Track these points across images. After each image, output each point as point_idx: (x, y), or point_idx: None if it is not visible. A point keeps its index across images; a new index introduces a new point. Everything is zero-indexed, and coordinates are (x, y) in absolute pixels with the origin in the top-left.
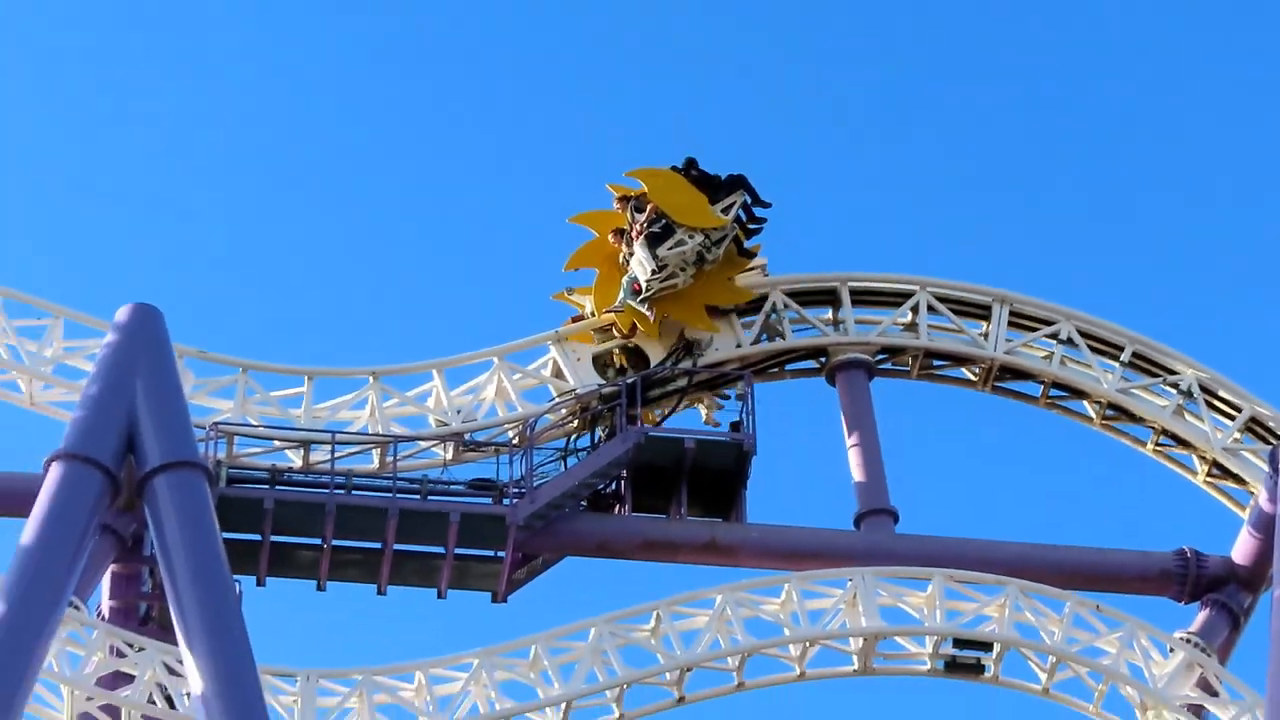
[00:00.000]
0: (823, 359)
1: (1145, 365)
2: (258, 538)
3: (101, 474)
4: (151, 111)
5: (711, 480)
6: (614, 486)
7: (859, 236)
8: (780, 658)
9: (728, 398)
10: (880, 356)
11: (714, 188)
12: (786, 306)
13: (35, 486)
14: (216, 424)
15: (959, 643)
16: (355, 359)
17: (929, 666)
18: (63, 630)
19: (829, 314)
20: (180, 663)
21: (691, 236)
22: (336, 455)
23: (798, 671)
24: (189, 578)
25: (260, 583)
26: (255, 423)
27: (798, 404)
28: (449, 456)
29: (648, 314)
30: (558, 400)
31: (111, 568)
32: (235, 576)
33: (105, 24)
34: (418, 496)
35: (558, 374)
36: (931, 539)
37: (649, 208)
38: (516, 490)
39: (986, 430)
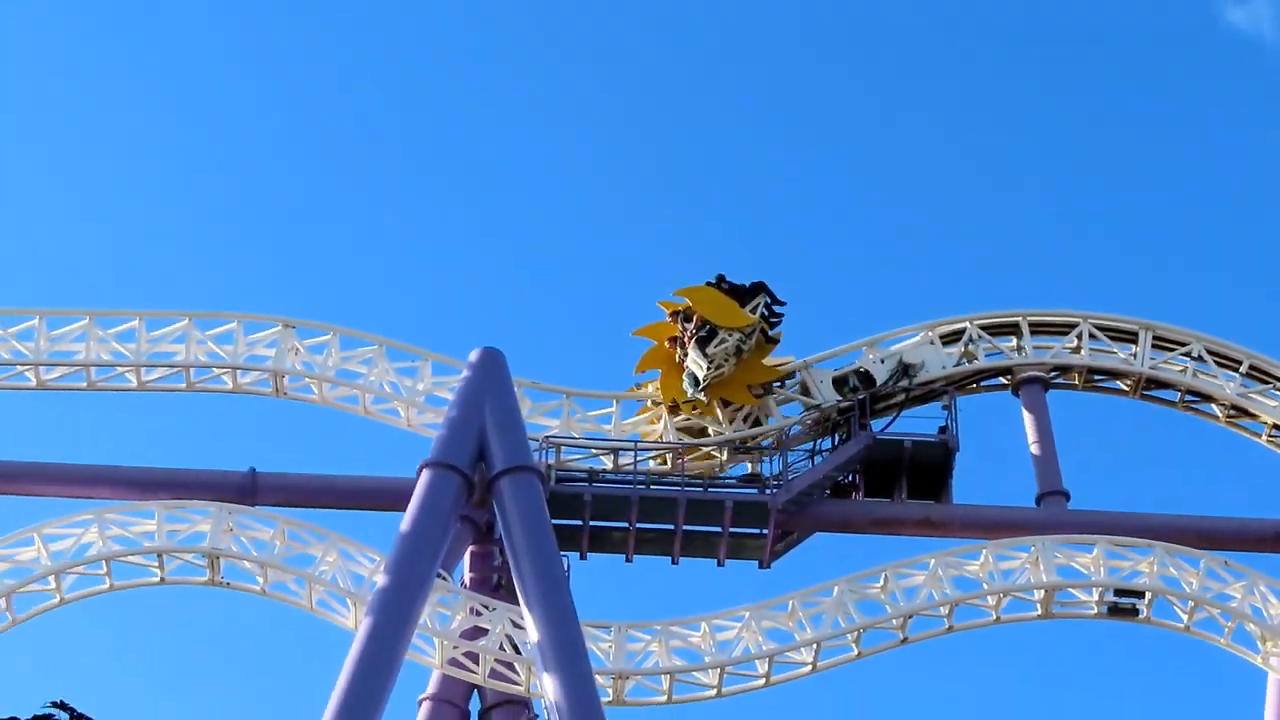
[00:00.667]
0: (1008, 376)
1: (1259, 374)
2: (580, 523)
3: (460, 477)
4: (490, 174)
5: (925, 471)
6: (850, 478)
7: (1025, 276)
8: (980, 606)
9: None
10: (1053, 373)
11: (741, 294)
12: (980, 336)
13: (409, 488)
14: (547, 437)
15: (1119, 592)
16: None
17: (1095, 611)
18: (434, 596)
19: (1013, 341)
20: (522, 619)
21: (731, 335)
22: (638, 459)
23: (994, 617)
24: (528, 555)
25: (583, 557)
26: (576, 435)
27: (989, 411)
28: (724, 458)
29: (714, 405)
30: (806, 413)
31: (470, 548)
32: (563, 553)
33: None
34: (701, 489)
35: (805, 392)
36: (1095, 513)
37: (695, 317)
38: (776, 483)
39: (1137, 428)
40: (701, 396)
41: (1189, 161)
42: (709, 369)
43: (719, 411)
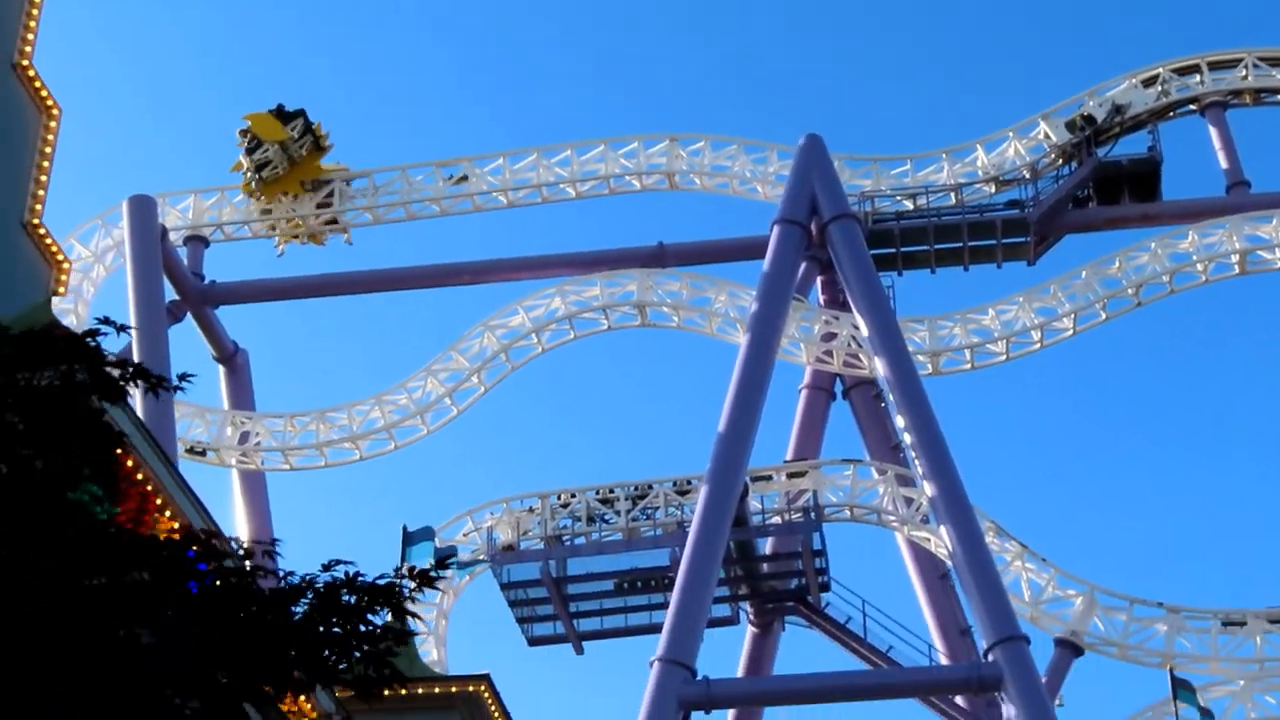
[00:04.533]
0: (1196, 104)
1: None
2: (893, 250)
3: (800, 228)
4: None
5: (1140, 180)
6: (1085, 192)
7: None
8: (1190, 271)
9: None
10: (1229, 97)
11: (285, 118)
12: (1171, 77)
13: (766, 241)
14: (863, 193)
15: None
16: (932, 144)
17: (1278, 265)
18: (796, 314)
19: (1196, 78)
20: (857, 327)
21: (272, 145)
22: (930, 199)
23: (1203, 279)
24: (855, 278)
25: (899, 274)
26: (884, 189)
27: (1182, 133)
28: (992, 190)
29: (260, 197)
30: (1049, 149)
31: (819, 278)
32: (881, 274)
33: None
34: (978, 214)
35: (1045, 136)
36: (1272, 194)
37: (249, 134)
38: (1031, 202)
39: None
40: (256, 189)
41: None
42: (257, 173)
43: (284, 198)
